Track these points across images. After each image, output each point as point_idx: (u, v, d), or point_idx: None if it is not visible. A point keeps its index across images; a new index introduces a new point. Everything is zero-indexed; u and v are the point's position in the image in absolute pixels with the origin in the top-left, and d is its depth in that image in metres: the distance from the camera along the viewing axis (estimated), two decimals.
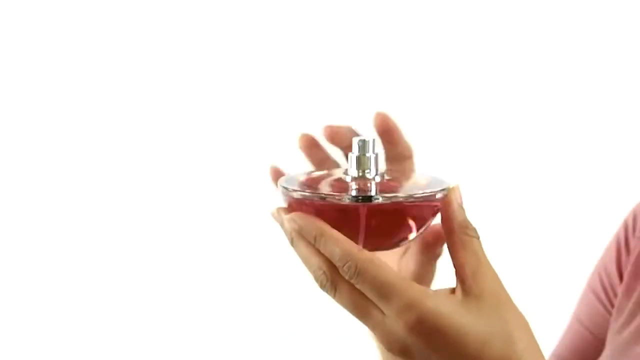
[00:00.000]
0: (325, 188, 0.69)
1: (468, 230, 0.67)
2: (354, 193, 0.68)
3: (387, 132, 0.77)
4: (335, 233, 0.65)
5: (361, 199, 0.66)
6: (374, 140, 0.70)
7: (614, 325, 0.93)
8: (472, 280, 0.65)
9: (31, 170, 1.87)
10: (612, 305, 0.96)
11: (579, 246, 1.51)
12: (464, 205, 0.68)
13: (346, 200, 0.66)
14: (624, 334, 0.90)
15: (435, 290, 0.65)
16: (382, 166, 0.76)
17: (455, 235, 0.67)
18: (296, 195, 0.68)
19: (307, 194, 0.67)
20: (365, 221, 0.67)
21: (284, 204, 0.70)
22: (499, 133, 1.79)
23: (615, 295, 0.96)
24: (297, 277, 1.69)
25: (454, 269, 0.67)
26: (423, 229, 0.70)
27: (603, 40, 1.75)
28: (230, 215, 1.84)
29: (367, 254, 0.65)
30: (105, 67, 1.86)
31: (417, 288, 0.63)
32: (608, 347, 0.92)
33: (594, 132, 1.77)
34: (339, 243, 0.65)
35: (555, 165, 1.78)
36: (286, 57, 1.84)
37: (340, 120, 0.82)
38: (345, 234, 0.66)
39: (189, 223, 1.86)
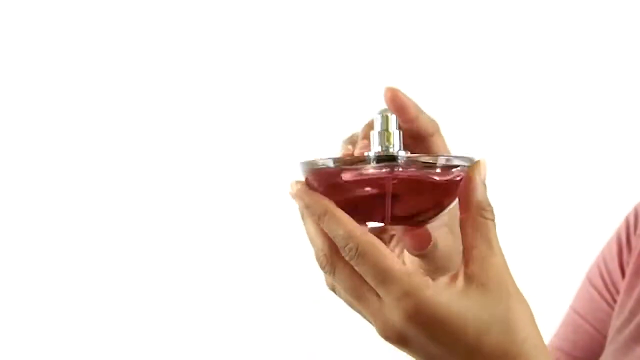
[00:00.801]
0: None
1: (485, 212, 0.65)
2: (375, 154, 0.65)
3: (401, 109, 0.71)
4: (339, 212, 0.64)
5: (385, 157, 0.65)
6: (396, 117, 0.68)
7: (616, 323, 0.92)
8: (478, 266, 0.63)
9: (31, 170, 1.87)
10: (615, 302, 0.95)
11: (579, 241, 1.52)
12: (486, 184, 0.66)
13: (368, 161, 0.64)
14: (624, 332, 0.90)
15: (436, 280, 0.63)
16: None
17: (470, 214, 0.65)
18: (316, 166, 0.65)
19: (328, 160, 0.65)
20: (391, 194, 0.65)
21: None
22: (506, 128, 1.79)
23: (617, 292, 0.95)
24: (296, 277, 1.71)
25: (462, 248, 0.65)
26: (451, 206, 0.68)
27: (604, 40, 1.75)
28: (230, 215, 1.84)
29: (370, 237, 0.63)
30: (106, 67, 1.86)
31: (416, 277, 0.62)
32: (610, 345, 0.91)
33: (599, 129, 1.77)
34: (342, 223, 0.63)
35: (558, 161, 1.78)
36: (289, 54, 1.85)
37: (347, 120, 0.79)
38: (368, 209, 0.65)
39: (189, 223, 1.86)
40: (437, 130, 0.74)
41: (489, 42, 1.79)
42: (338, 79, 1.81)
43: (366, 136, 0.70)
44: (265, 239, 1.82)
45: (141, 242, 1.87)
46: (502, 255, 0.64)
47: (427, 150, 0.73)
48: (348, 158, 0.66)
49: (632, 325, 0.90)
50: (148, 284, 1.87)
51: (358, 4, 1.82)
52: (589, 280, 1.00)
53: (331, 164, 0.65)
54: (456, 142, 1.74)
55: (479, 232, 0.64)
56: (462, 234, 0.65)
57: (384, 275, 0.62)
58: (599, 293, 0.98)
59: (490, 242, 0.64)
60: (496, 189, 1.71)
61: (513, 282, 0.64)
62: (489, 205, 0.65)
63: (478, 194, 0.65)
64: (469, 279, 0.63)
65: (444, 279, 0.64)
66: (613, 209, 1.09)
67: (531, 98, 1.79)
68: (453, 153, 0.72)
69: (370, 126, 0.69)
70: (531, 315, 0.64)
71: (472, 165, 0.66)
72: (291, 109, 1.83)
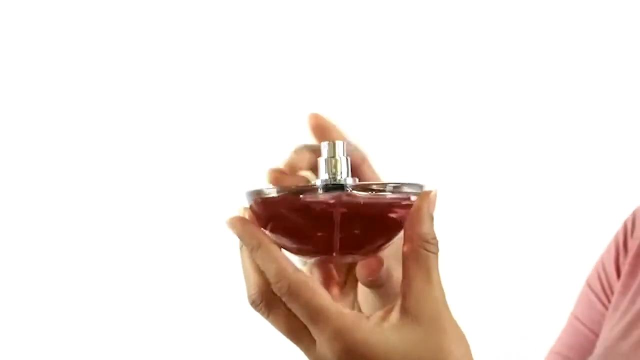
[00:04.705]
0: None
1: (427, 244, 0.64)
2: (322, 183, 0.64)
3: (324, 133, 0.70)
4: (273, 248, 0.64)
5: (332, 187, 0.64)
6: (344, 143, 0.67)
7: (609, 323, 0.93)
8: (414, 300, 0.63)
9: (28, 170, 1.86)
10: (610, 303, 0.96)
11: (579, 247, 1.51)
12: (434, 215, 0.64)
13: (318, 189, 0.63)
14: (615, 331, 0.90)
15: (369, 317, 0.64)
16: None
17: (413, 245, 0.64)
18: (263, 194, 0.64)
19: (272, 190, 0.64)
20: (340, 224, 0.64)
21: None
22: (502, 135, 1.79)
23: (613, 293, 0.96)
24: None
25: (401, 280, 0.64)
26: (399, 234, 0.67)
27: (603, 40, 1.75)
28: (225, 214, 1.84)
29: (302, 275, 0.63)
30: (104, 67, 1.85)
31: (348, 316, 0.63)
32: (601, 343, 0.92)
33: (596, 133, 1.76)
34: (275, 259, 0.63)
35: (558, 167, 1.77)
36: (279, 58, 1.84)
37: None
38: (316, 240, 0.64)
39: (187, 224, 1.85)
40: (365, 159, 0.73)
41: (485, 43, 1.79)
42: (325, 83, 1.81)
43: (292, 162, 0.70)
44: None
45: (136, 242, 1.86)
46: (441, 289, 0.64)
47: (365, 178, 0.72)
48: (294, 187, 0.65)
49: (622, 324, 0.90)
50: (145, 284, 1.86)
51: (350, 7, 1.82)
52: (589, 285, 1.00)
53: (275, 193, 0.64)
54: (458, 145, 1.74)
55: (419, 264, 0.64)
56: (402, 265, 0.65)
57: (315, 315, 0.63)
58: (597, 296, 0.98)
59: (429, 275, 0.64)
60: (497, 195, 1.71)
61: (450, 317, 0.64)
62: (434, 238, 0.64)
63: (423, 226, 0.64)
64: (404, 312, 0.63)
65: (378, 314, 0.64)
66: (613, 215, 1.09)
67: (531, 101, 1.78)
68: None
69: (296, 153, 0.69)
70: (467, 351, 0.64)
71: (422, 195, 0.65)
72: (278, 112, 1.83)
